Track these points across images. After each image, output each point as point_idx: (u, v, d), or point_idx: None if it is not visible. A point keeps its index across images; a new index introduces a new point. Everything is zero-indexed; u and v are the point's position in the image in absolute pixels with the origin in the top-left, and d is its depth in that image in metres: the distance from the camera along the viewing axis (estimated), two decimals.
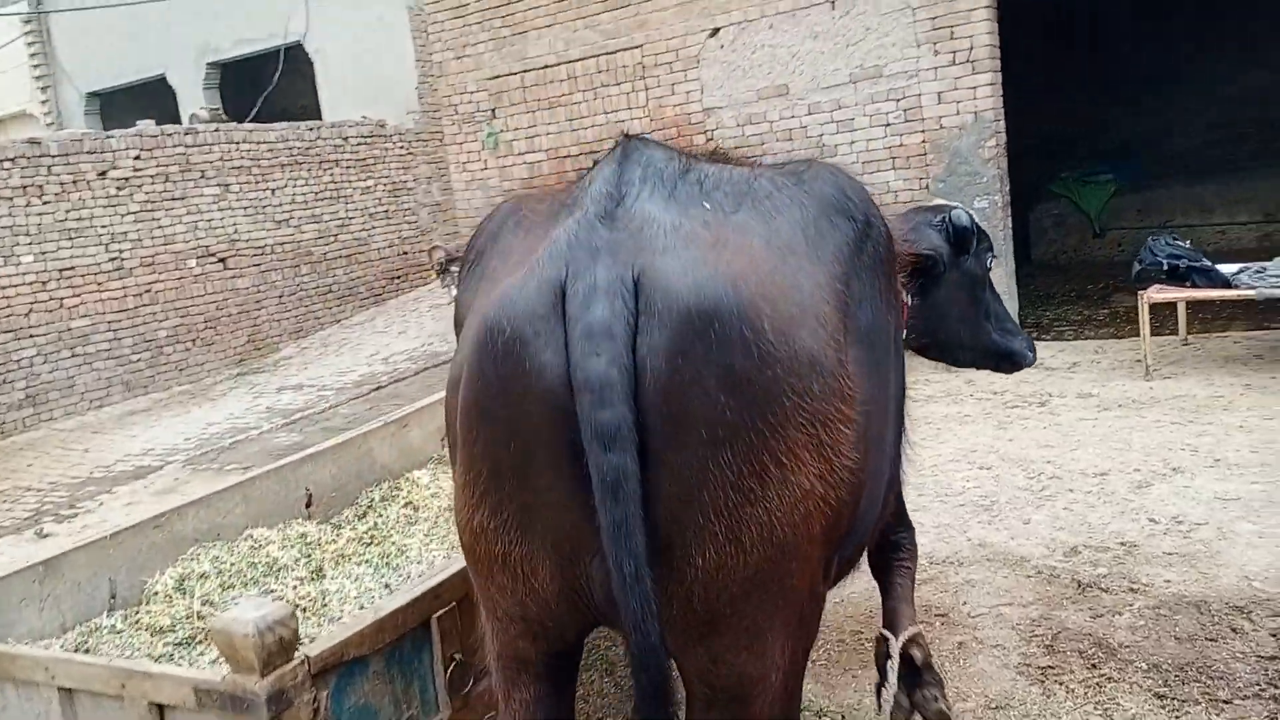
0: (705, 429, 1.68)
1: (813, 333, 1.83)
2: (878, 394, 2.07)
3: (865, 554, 2.58)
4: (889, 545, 3.13)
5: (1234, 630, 3.56)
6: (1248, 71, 12.02)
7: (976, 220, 3.25)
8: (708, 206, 1.95)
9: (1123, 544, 4.36)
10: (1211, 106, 12.31)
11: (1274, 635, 3.50)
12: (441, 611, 2.62)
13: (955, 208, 3.22)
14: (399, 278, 14.91)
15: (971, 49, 8.44)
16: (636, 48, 9.99)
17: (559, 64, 10.52)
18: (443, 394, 5.30)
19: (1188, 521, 4.49)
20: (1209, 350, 7.39)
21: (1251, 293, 6.51)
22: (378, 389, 10.12)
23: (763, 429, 1.71)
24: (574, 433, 1.66)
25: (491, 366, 1.78)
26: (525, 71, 10.76)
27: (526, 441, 1.76)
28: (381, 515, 3.78)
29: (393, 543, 3.62)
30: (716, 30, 9.52)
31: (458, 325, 2.52)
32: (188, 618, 3.12)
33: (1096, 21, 12.75)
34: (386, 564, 3.45)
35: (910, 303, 2.94)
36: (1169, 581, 3.97)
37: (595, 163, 2.19)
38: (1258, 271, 6.60)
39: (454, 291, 11.35)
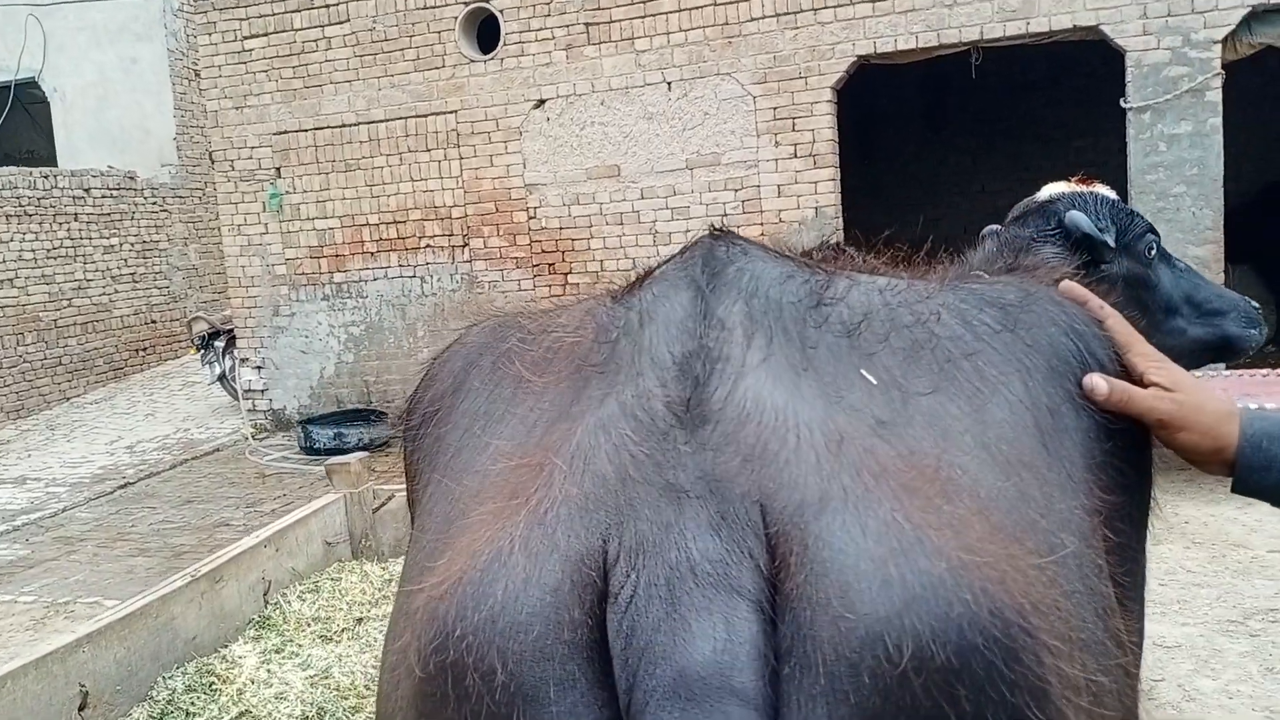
0: None
1: (1094, 644, 0.96)
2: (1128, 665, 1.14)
3: None
4: None
5: None
6: (1019, 188, 12.97)
7: (1105, 206, 2.36)
8: (873, 381, 1.02)
9: None
10: (991, 217, 13.02)
11: None
12: None
13: (1059, 207, 2.32)
14: (145, 350, 13.08)
15: (814, 143, 8.17)
16: (451, 113, 9.10)
17: (359, 124, 9.45)
18: (262, 534, 4.13)
19: (1143, 678, 4.04)
20: None
21: None
22: (125, 486, 8.48)
23: None
24: None
25: None
26: (319, 129, 9.61)
27: None
28: None
29: None
30: (542, 101, 8.81)
31: (411, 507, 1.37)
32: None
33: (890, 133, 13.13)
34: None
35: None
36: None
37: (648, 271, 1.12)
38: None
39: (216, 370, 9.49)
